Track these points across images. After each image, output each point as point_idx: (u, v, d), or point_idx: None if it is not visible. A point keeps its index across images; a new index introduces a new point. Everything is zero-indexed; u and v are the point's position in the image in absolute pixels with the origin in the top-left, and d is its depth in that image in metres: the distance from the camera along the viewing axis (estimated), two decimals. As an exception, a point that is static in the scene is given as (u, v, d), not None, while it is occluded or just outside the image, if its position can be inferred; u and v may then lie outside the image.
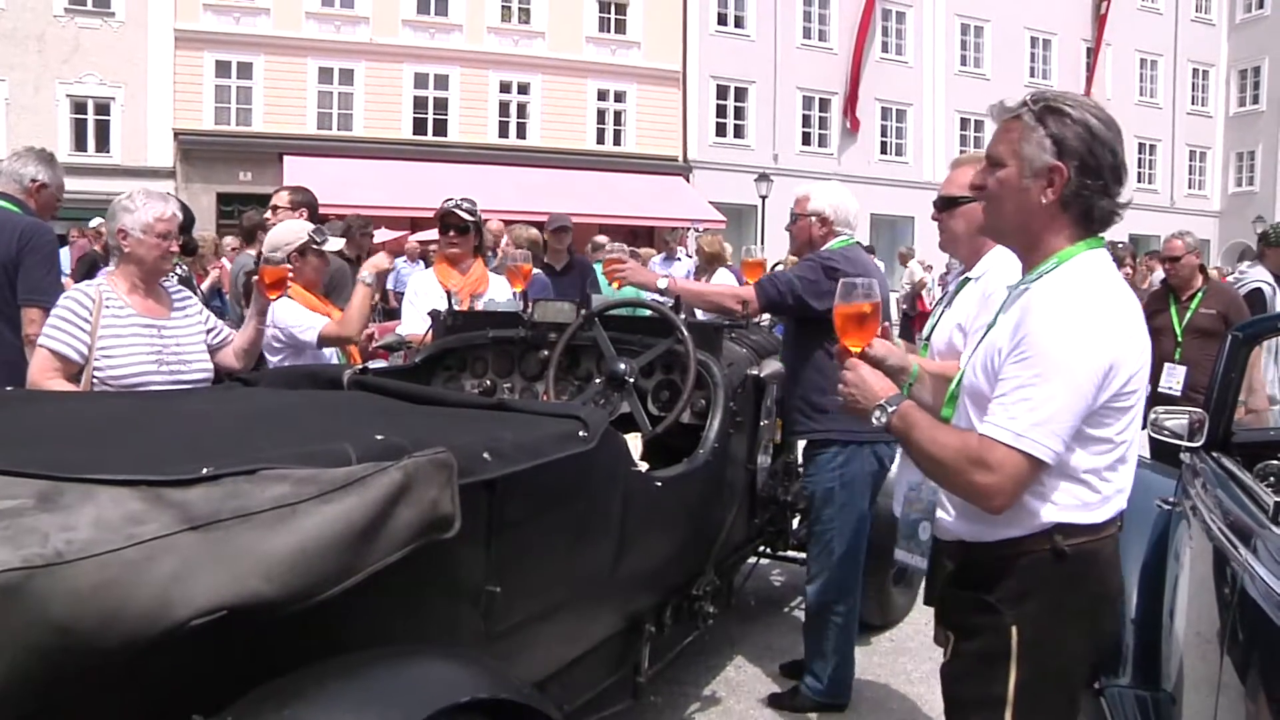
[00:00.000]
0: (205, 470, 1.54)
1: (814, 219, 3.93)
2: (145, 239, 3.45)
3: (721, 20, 27.94)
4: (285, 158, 22.58)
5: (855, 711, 4.09)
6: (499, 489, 2.10)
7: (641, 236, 24.57)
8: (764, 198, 24.48)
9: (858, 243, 4.06)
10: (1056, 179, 1.90)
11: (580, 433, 2.42)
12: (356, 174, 22.20)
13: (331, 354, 4.31)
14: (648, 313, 3.95)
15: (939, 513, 2.15)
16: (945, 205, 3.00)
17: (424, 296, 4.72)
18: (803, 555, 4.98)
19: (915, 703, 4.24)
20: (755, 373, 3.45)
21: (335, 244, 4.43)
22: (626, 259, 4.25)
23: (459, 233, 4.83)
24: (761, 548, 4.66)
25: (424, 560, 1.81)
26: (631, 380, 3.48)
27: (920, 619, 5.22)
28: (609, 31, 26.84)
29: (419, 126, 24.98)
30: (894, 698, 4.30)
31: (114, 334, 3.38)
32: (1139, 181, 33.06)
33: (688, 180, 27.19)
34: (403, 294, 6.74)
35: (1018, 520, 1.95)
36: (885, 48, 29.44)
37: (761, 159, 27.32)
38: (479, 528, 2.06)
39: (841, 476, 3.85)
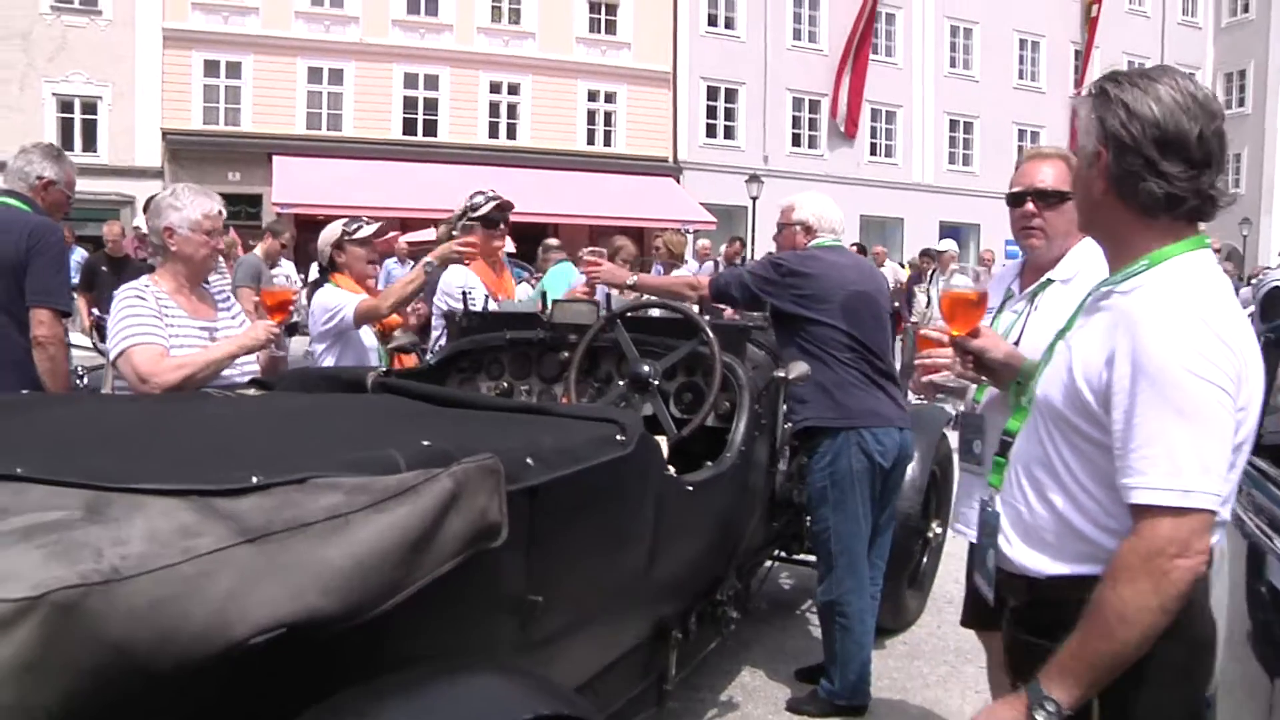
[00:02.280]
0: (255, 479, 1.48)
1: (799, 227, 4.06)
2: (193, 237, 3.35)
3: (711, 21, 27.92)
4: (274, 158, 22.48)
5: (873, 715, 4.05)
6: (541, 495, 2.04)
7: (631, 237, 24.58)
8: (754, 199, 24.48)
9: (839, 245, 4.12)
10: (1100, 164, 1.77)
11: (618, 436, 2.37)
12: (346, 174, 22.11)
13: (373, 350, 4.39)
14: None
15: (1000, 539, 1.95)
16: (1044, 198, 2.83)
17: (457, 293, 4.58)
18: (813, 558, 4.98)
19: (932, 707, 4.22)
20: (782, 374, 3.40)
21: (368, 230, 4.46)
22: (603, 260, 4.43)
23: (492, 227, 4.68)
24: (777, 551, 4.62)
25: (465, 570, 1.75)
26: (656, 382, 3.42)
27: (932, 622, 5.20)
28: (599, 32, 26.79)
29: (409, 127, 24.88)
30: (911, 701, 4.27)
31: (169, 336, 3.28)
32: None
33: (678, 181, 27.16)
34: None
35: (1096, 552, 1.73)
36: (875, 49, 29.45)
37: (751, 160, 27.32)
38: (520, 536, 2.00)
39: (832, 475, 3.85)
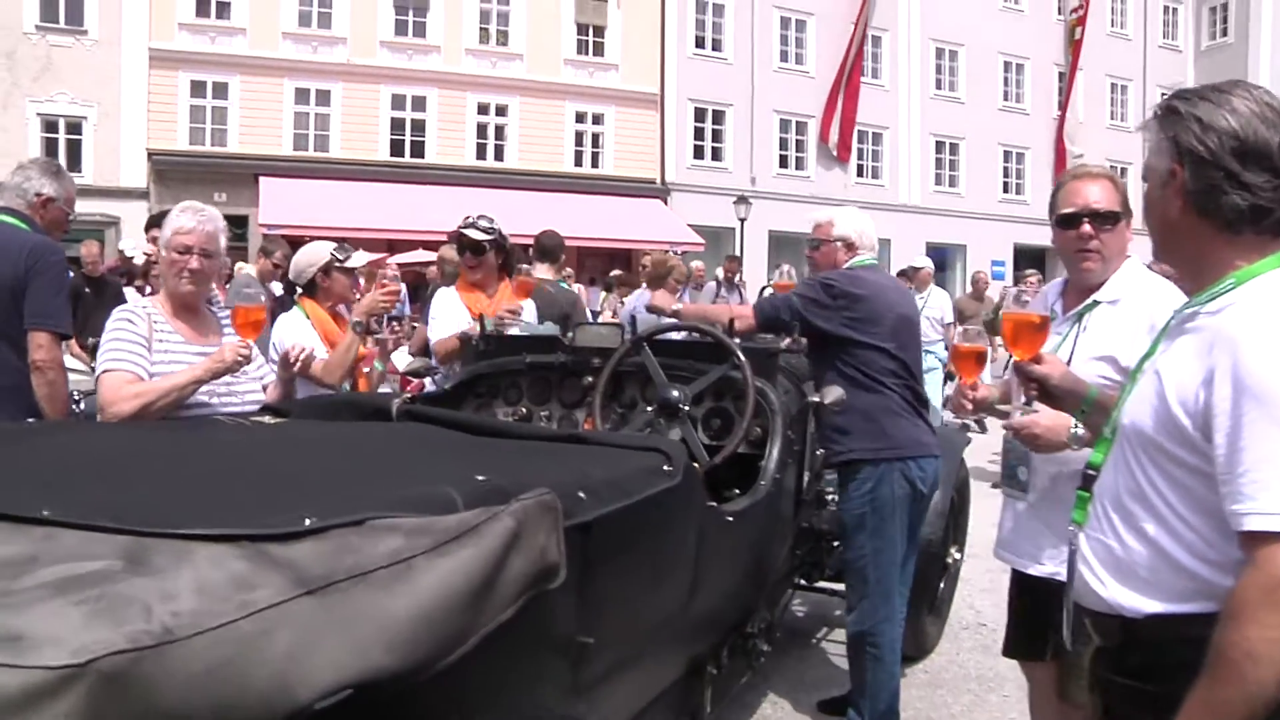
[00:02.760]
0: (308, 521, 1.34)
1: (839, 244, 3.90)
2: (167, 256, 3.19)
3: (699, 43, 27.94)
4: (261, 179, 22.30)
5: (901, 749, 3.94)
6: (593, 531, 1.91)
7: (619, 259, 24.47)
8: (742, 220, 24.46)
9: (876, 263, 4.00)
10: (1176, 183, 1.70)
11: (665, 467, 2.24)
12: (333, 196, 21.97)
13: None
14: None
15: (1081, 570, 1.84)
16: (1102, 220, 2.73)
17: (444, 316, 4.49)
18: (835, 586, 4.86)
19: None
20: (817, 399, 3.28)
21: (358, 259, 4.31)
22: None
23: (474, 254, 4.55)
24: (797, 579, 4.50)
25: (519, 614, 1.62)
26: (685, 408, 3.30)
27: (951, 649, 5.09)
28: (587, 54, 26.76)
29: (396, 148, 24.74)
30: (938, 733, 4.16)
31: (160, 358, 3.12)
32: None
33: (665, 203, 27.09)
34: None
35: (1198, 588, 1.61)
36: (862, 71, 29.53)
37: (739, 181, 27.31)
38: (572, 574, 1.87)
39: (872, 501, 3.72)
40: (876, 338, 3.68)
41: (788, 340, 3.69)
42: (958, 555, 5.31)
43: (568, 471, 1.98)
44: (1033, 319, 2.38)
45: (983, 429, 11.00)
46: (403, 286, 15.73)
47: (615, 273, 17.23)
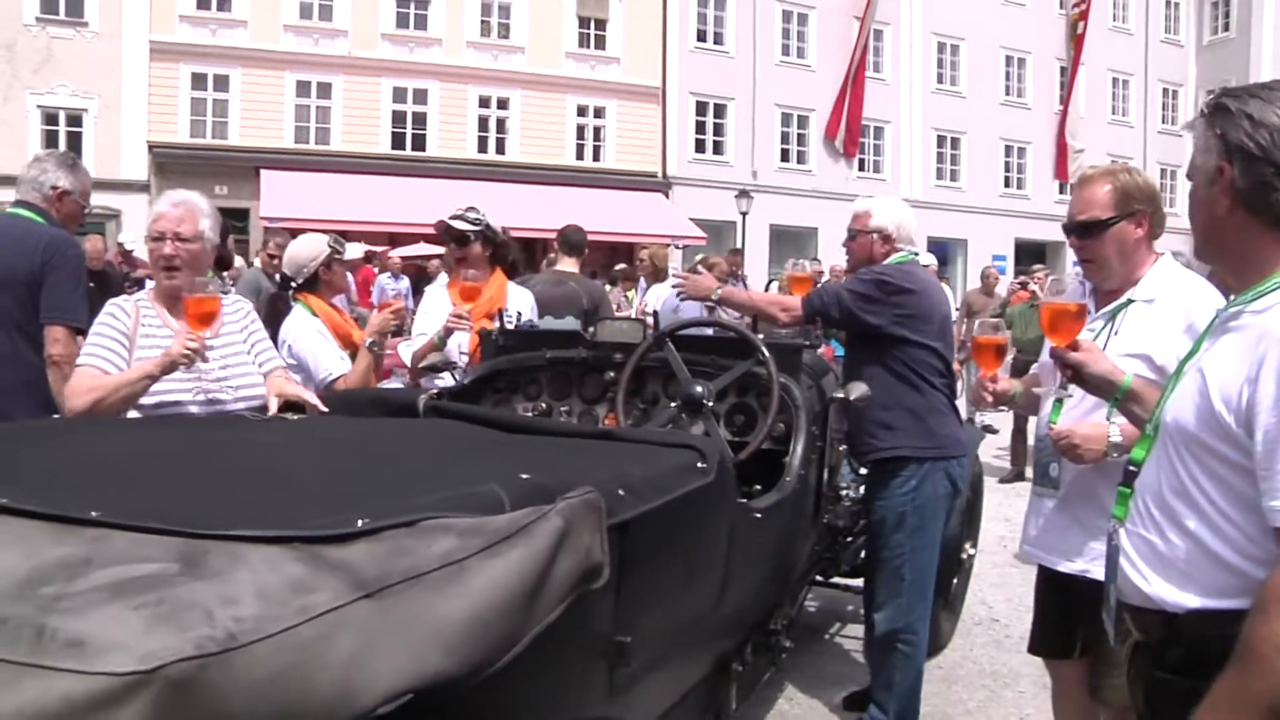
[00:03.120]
0: (360, 522, 1.32)
1: (875, 235, 3.80)
2: (148, 244, 3.12)
3: (701, 37, 27.87)
4: (262, 171, 22.27)
5: (920, 746, 3.93)
6: (632, 530, 1.89)
7: (621, 253, 24.44)
8: (744, 214, 24.40)
9: (916, 256, 3.93)
10: (1224, 180, 1.71)
11: (699, 464, 2.22)
12: (334, 188, 21.92)
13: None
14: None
15: (1123, 565, 1.85)
16: (1084, 231, 2.73)
17: (435, 312, 4.42)
18: (850, 582, 4.84)
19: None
20: (842, 395, 3.26)
21: (355, 251, 4.27)
22: (689, 276, 4.24)
23: (459, 244, 4.46)
24: (814, 575, 4.49)
25: (563, 614, 1.60)
26: (710, 404, 3.27)
27: (964, 645, 5.09)
28: (589, 47, 26.70)
29: (398, 141, 24.69)
30: (956, 730, 4.15)
31: (146, 354, 3.02)
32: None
33: (667, 196, 27.05)
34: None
35: (1240, 584, 1.62)
36: (864, 66, 29.48)
37: (741, 175, 27.28)
38: (611, 573, 1.85)
39: (914, 499, 3.68)
40: (927, 336, 3.64)
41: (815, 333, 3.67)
42: (972, 550, 5.31)
43: (606, 469, 1.96)
44: (1070, 308, 2.43)
45: (995, 431, 11.00)
46: (406, 283, 15.74)
47: (620, 266, 17.19)
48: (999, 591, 5.99)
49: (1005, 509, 7.97)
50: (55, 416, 3.06)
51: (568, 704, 1.84)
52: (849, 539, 4.58)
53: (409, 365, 4.42)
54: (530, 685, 1.68)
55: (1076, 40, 32.08)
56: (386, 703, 1.17)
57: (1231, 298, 1.82)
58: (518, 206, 21.99)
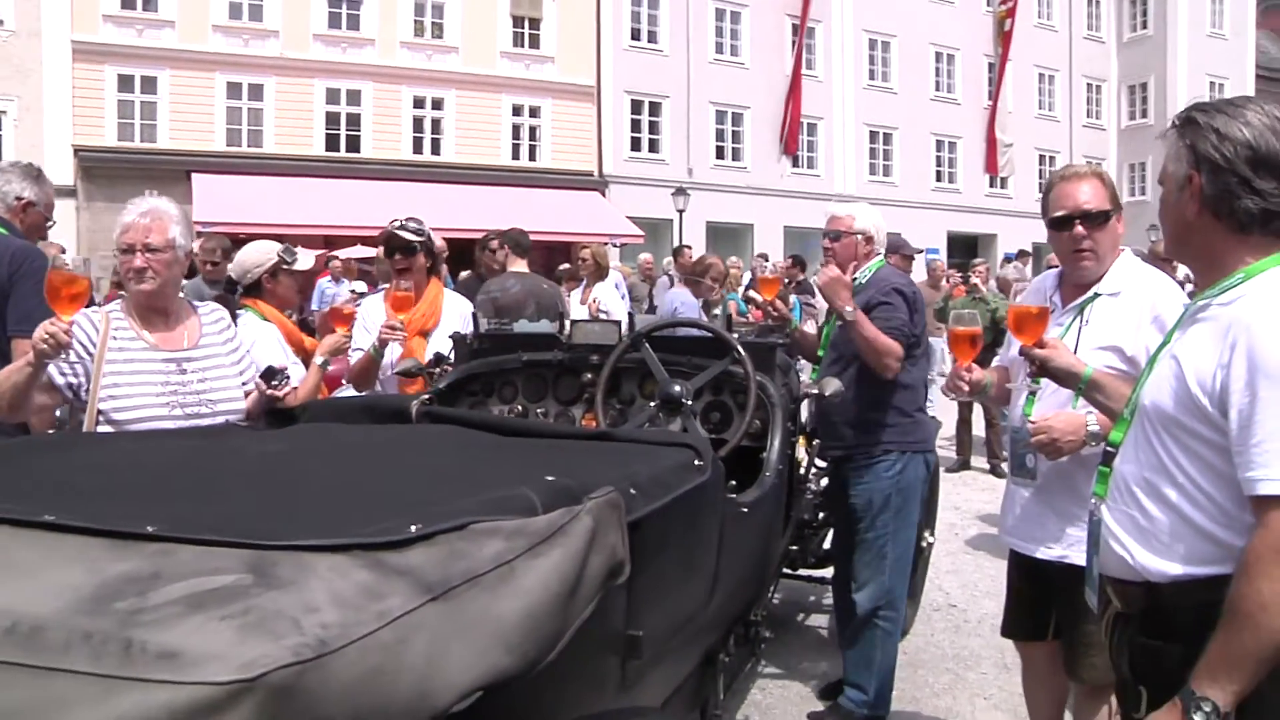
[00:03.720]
0: (414, 529, 1.36)
1: (860, 237, 3.95)
2: (118, 257, 3.06)
3: (635, 35, 27.95)
4: (194, 175, 21.76)
5: (892, 727, 4.05)
6: (642, 527, 1.95)
7: (558, 253, 24.41)
8: (681, 211, 24.53)
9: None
10: (1193, 188, 1.87)
11: (696, 461, 2.29)
12: (268, 191, 21.61)
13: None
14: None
15: (1106, 540, 1.98)
16: (1093, 220, 2.82)
17: (374, 326, 4.23)
18: (815, 574, 4.96)
19: (946, 716, 4.24)
20: (815, 392, 3.35)
21: (305, 261, 4.23)
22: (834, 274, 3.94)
23: (404, 254, 4.38)
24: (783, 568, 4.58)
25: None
26: (689, 402, 3.34)
27: (926, 630, 5.22)
28: (523, 46, 26.61)
29: (332, 143, 24.37)
30: (924, 712, 4.28)
31: (117, 368, 2.97)
32: (1039, 192, 34.10)
33: (604, 195, 27.08)
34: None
35: (1217, 552, 1.77)
36: (800, 64, 29.80)
37: (677, 173, 27.41)
38: None
39: (898, 482, 3.85)
40: (920, 340, 3.86)
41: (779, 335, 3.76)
42: (931, 539, 5.44)
43: (615, 469, 2.01)
44: (1033, 310, 2.59)
45: (940, 424, 11.22)
46: (346, 286, 15.54)
47: (564, 266, 17.20)
48: (954, 578, 6.15)
49: (954, 498, 8.17)
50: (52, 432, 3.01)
51: (587, 697, 1.89)
52: (814, 531, 4.69)
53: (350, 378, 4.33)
54: (555, 681, 1.73)
55: (1004, 37, 32.74)
56: (461, 700, 1.21)
57: (1194, 292, 1.99)
58: (454, 207, 21.89)
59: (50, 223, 3.92)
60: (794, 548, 4.46)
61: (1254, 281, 1.81)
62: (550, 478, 1.70)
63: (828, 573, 4.75)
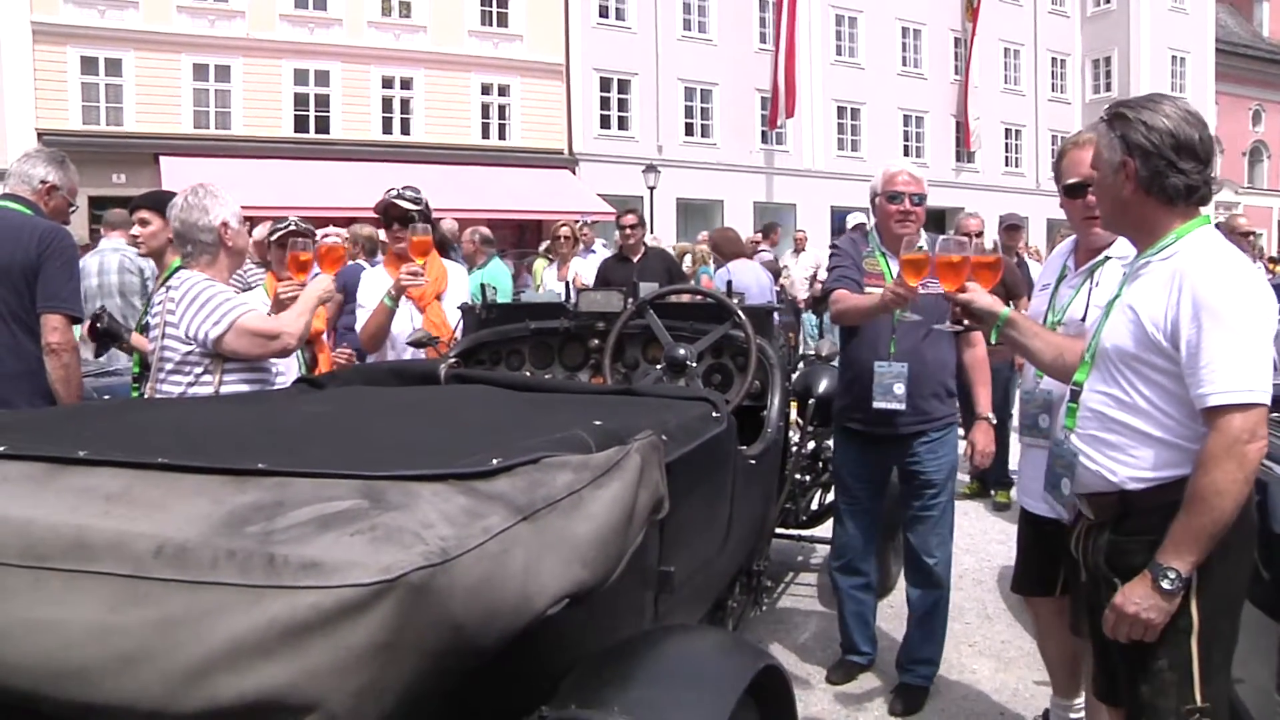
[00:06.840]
0: (495, 461, 1.51)
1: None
2: (241, 229, 3.40)
3: (603, 13, 27.92)
4: (161, 158, 21.63)
5: (881, 673, 4.26)
6: (674, 470, 2.12)
7: (530, 231, 24.45)
8: (651, 188, 24.63)
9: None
10: (1127, 171, 2.25)
11: (714, 414, 2.46)
12: (237, 174, 21.35)
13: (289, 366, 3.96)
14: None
15: (1084, 463, 2.33)
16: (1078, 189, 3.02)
17: (376, 297, 4.38)
18: (805, 533, 5.15)
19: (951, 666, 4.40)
20: (813, 353, 3.54)
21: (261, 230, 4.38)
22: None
23: (403, 224, 4.45)
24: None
25: None
26: (693, 364, 3.51)
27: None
28: (491, 25, 26.52)
29: (300, 124, 24.23)
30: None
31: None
32: (1006, 165, 34.53)
33: (574, 173, 27.12)
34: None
35: (1176, 458, 2.19)
36: (764, 39, 29.90)
37: (646, 150, 27.47)
38: None
39: (952, 456, 3.98)
40: None
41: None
42: (915, 501, 5.64)
43: (647, 418, 2.17)
44: (954, 259, 2.73)
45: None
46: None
47: (545, 244, 17.30)
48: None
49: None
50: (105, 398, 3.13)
51: (628, 625, 2.06)
52: (803, 491, 4.88)
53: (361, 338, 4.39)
54: (606, 608, 1.90)
55: (972, 12, 32.94)
56: (553, 605, 1.38)
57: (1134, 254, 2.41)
58: (425, 187, 21.20)
59: (73, 207, 4.02)
60: (788, 506, 4.64)
61: (1185, 240, 2.24)
62: (598, 422, 1.86)
63: (816, 532, 4.94)
